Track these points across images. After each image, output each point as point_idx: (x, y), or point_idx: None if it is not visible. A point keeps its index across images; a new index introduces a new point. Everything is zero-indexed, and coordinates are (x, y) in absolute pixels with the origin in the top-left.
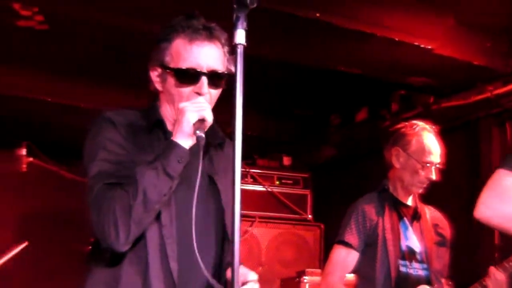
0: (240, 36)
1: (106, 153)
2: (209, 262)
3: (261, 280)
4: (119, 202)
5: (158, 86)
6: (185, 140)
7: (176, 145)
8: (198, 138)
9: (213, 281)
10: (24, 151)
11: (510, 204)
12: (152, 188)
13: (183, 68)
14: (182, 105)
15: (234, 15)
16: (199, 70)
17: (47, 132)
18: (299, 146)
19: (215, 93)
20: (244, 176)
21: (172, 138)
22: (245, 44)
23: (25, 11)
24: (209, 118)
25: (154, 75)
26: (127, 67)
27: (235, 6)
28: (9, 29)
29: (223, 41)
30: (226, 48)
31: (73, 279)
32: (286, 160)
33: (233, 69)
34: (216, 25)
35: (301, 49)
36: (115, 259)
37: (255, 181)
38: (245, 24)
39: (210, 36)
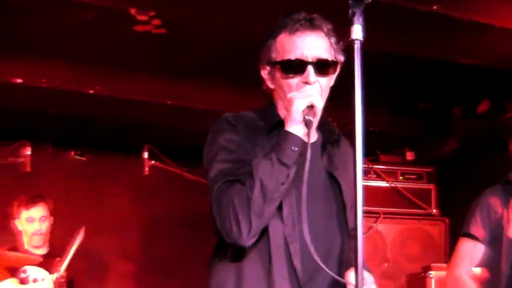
0: (356, 32)
1: (226, 153)
2: (333, 258)
3: (386, 276)
4: (237, 196)
5: (270, 84)
6: (297, 128)
7: (288, 134)
8: (306, 121)
9: (337, 277)
10: (146, 154)
11: None
12: (268, 178)
13: (288, 59)
14: (290, 94)
15: (350, 11)
16: (304, 59)
17: (167, 135)
18: (422, 140)
19: (325, 81)
20: (367, 172)
21: (284, 128)
22: (361, 39)
23: (141, 16)
24: (318, 103)
25: (264, 73)
26: (245, 68)
27: (350, 1)
28: (126, 34)
29: (325, 30)
30: (332, 39)
31: (197, 279)
32: (409, 155)
33: (341, 58)
34: (318, 16)
35: (420, 42)
36: (238, 257)
37: (379, 177)
38: (361, 19)
39: (311, 26)
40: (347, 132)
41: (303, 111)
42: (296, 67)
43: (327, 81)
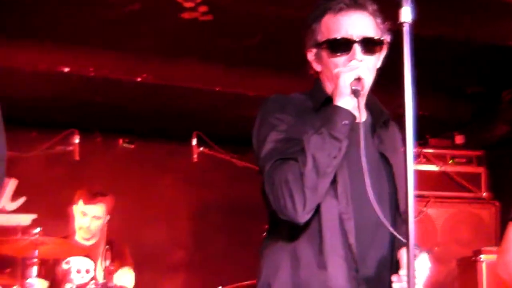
0: (405, 14)
1: (277, 132)
2: (385, 238)
3: (436, 260)
4: (290, 172)
5: (316, 67)
6: (345, 101)
7: (337, 108)
8: (354, 91)
9: (397, 234)
10: (194, 141)
11: None
12: (320, 152)
13: (334, 38)
14: (337, 70)
15: None
16: (349, 38)
17: (216, 122)
18: (471, 124)
19: (372, 59)
20: (417, 156)
21: (333, 103)
22: (410, 21)
23: (188, 3)
24: (365, 76)
25: (311, 56)
26: (294, 54)
27: None
28: (173, 22)
29: (370, 9)
30: (377, 18)
31: (249, 266)
32: (459, 139)
33: (388, 38)
34: None
35: (469, 25)
36: (291, 239)
37: (428, 161)
38: (409, 1)
39: (355, 5)
40: (397, 116)
41: (350, 83)
42: (342, 45)
43: (374, 60)
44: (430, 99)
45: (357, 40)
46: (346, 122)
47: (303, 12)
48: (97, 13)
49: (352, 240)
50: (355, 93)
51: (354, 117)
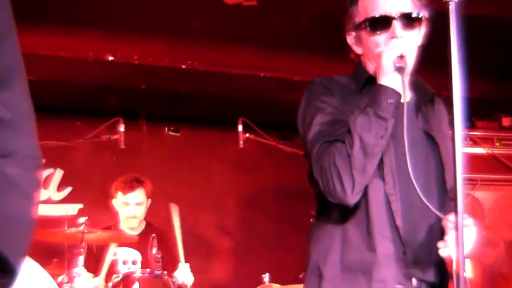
0: None
1: (323, 115)
2: (433, 217)
3: (485, 244)
4: (338, 154)
5: (357, 49)
6: (389, 79)
7: (382, 87)
8: (398, 68)
9: (438, 213)
10: (240, 128)
11: None
12: (367, 132)
13: (373, 16)
14: (378, 49)
15: None
16: (388, 15)
17: (262, 107)
18: None
19: (412, 34)
20: (463, 139)
21: (377, 82)
22: (456, 0)
23: None
24: (407, 53)
25: (351, 39)
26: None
27: None
28: (218, 7)
29: None
30: None
31: (298, 251)
32: (505, 121)
33: (426, 14)
34: None
35: None
36: (340, 221)
37: (475, 144)
38: None
39: None
40: (443, 98)
41: (393, 61)
42: (381, 23)
43: (415, 35)
44: (476, 81)
45: (396, 16)
46: (392, 100)
47: None
48: (141, 0)
49: (399, 221)
50: (399, 70)
51: (399, 95)
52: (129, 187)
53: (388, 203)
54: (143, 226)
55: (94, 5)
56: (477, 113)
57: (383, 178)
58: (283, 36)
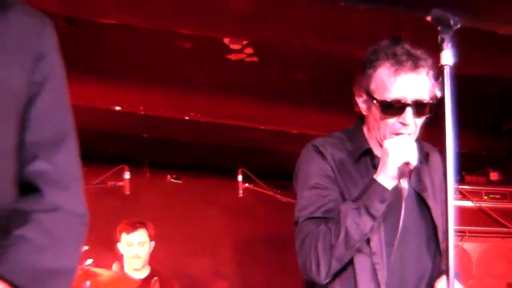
0: (446, 57)
1: (315, 185)
2: (425, 280)
3: None
4: (321, 240)
5: (363, 111)
6: (387, 181)
7: (379, 186)
8: (401, 190)
9: None
10: (240, 178)
11: None
12: (355, 228)
13: (388, 100)
14: (387, 144)
15: (439, 37)
16: (403, 101)
17: (261, 158)
18: (506, 161)
19: (420, 121)
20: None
21: (375, 176)
22: (451, 64)
23: (235, 45)
24: (414, 161)
25: (360, 100)
26: (336, 92)
27: (439, 28)
28: (221, 62)
29: (427, 68)
30: (431, 74)
31: None
32: (493, 175)
33: (438, 93)
34: (421, 52)
35: (504, 65)
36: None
37: (464, 197)
38: (450, 45)
39: (414, 66)
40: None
41: (398, 167)
42: (395, 108)
43: (422, 121)
44: (466, 137)
45: (410, 103)
46: (383, 202)
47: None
48: (150, 52)
49: None
50: (402, 192)
51: (390, 196)
52: (132, 227)
53: (374, 271)
54: (147, 270)
55: (103, 56)
56: (466, 168)
57: (370, 253)
58: (282, 90)
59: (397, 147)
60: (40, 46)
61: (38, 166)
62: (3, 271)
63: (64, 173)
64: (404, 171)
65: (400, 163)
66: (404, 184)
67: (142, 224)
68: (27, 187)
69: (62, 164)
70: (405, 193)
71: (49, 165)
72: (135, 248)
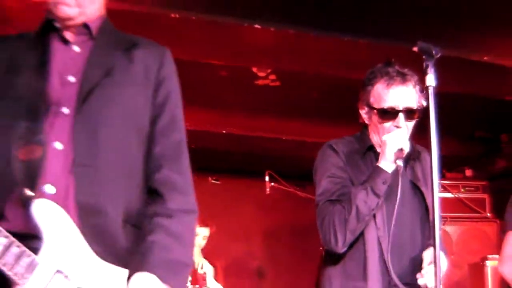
0: (430, 80)
1: (330, 175)
2: (417, 250)
3: (453, 266)
4: (337, 216)
5: (366, 120)
6: (387, 165)
7: (380, 170)
8: (397, 167)
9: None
10: (267, 178)
11: None
12: (363, 205)
13: (384, 108)
14: (384, 137)
15: (424, 63)
16: (396, 108)
17: (283, 162)
18: (478, 160)
19: (411, 124)
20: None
21: (377, 164)
22: (434, 85)
23: (261, 73)
24: (406, 147)
25: (362, 111)
26: (341, 107)
27: (424, 56)
28: (251, 86)
29: (413, 82)
30: (417, 87)
31: (308, 274)
32: (468, 172)
33: (424, 103)
34: (408, 70)
35: (476, 84)
36: (341, 258)
37: (445, 190)
38: (433, 69)
39: (403, 80)
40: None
41: (394, 153)
42: (390, 114)
43: (413, 124)
44: (447, 142)
45: (402, 110)
46: (385, 182)
47: (353, 75)
48: (193, 81)
49: (386, 256)
50: (398, 168)
51: (391, 177)
52: (201, 223)
53: (379, 242)
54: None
55: None
56: (446, 166)
57: (376, 225)
58: (300, 108)
59: (393, 138)
60: (159, 73)
61: (163, 174)
62: (147, 267)
63: (183, 180)
64: (399, 155)
65: (395, 149)
66: (400, 163)
67: (207, 224)
68: (152, 192)
69: (182, 173)
70: (400, 169)
71: (173, 173)
72: (200, 238)
